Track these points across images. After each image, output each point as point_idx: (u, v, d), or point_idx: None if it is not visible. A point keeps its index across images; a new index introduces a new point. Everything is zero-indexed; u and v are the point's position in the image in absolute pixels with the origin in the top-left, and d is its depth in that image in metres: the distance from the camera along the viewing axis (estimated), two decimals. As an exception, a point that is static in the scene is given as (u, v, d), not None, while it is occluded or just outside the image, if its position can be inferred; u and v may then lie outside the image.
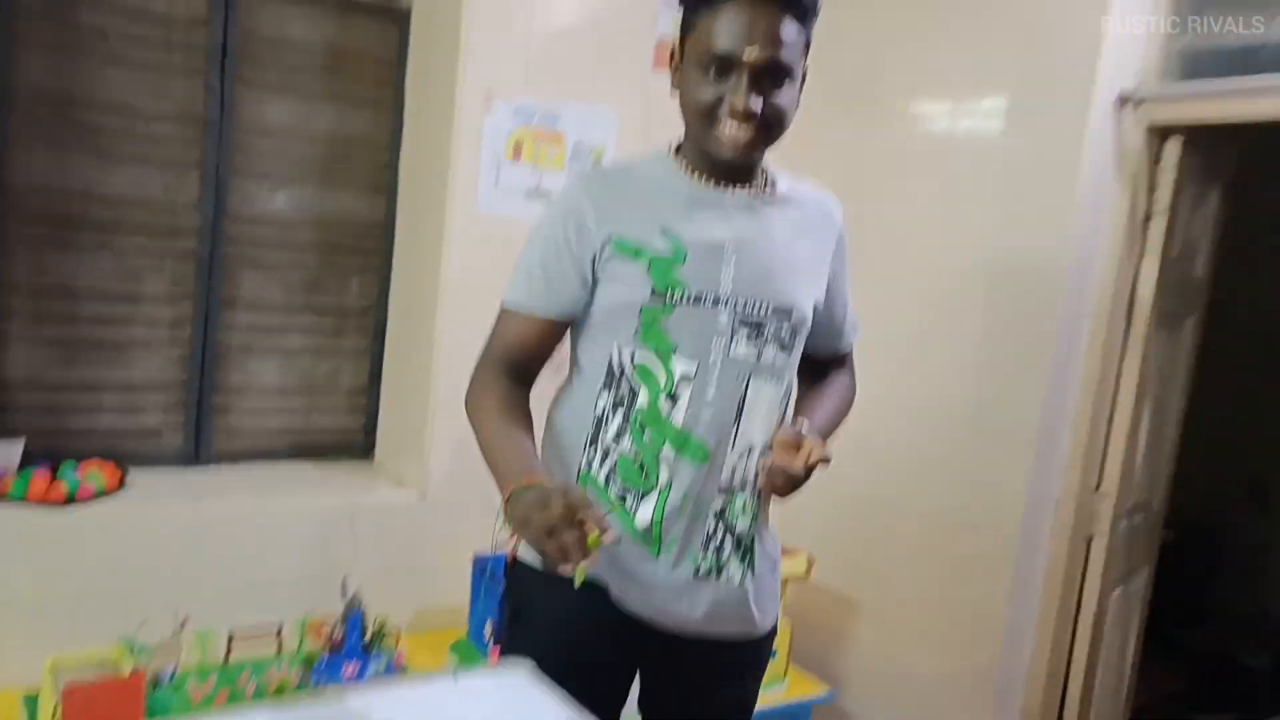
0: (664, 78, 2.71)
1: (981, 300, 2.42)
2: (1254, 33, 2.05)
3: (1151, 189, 2.30)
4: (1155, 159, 2.29)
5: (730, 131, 1.25)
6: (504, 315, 1.39)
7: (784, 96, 1.26)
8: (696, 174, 1.35)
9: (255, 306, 2.60)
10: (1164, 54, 2.23)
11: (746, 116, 1.23)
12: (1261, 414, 4.08)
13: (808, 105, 1.37)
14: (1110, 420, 2.40)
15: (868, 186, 2.68)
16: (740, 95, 1.23)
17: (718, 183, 1.35)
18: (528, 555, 1.41)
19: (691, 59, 1.28)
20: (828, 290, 1.44)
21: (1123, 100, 2.21)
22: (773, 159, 1.42)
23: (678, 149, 1.39)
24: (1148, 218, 2.31)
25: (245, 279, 2.57)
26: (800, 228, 1.39)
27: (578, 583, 1.14)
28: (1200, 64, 2.18)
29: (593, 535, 1.07)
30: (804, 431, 1.29)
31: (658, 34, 2.71)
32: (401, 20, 2.68)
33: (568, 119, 2.62)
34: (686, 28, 1.30)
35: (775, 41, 1.22)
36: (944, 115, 2.54)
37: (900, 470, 2.58)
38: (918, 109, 2.60)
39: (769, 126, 1.27)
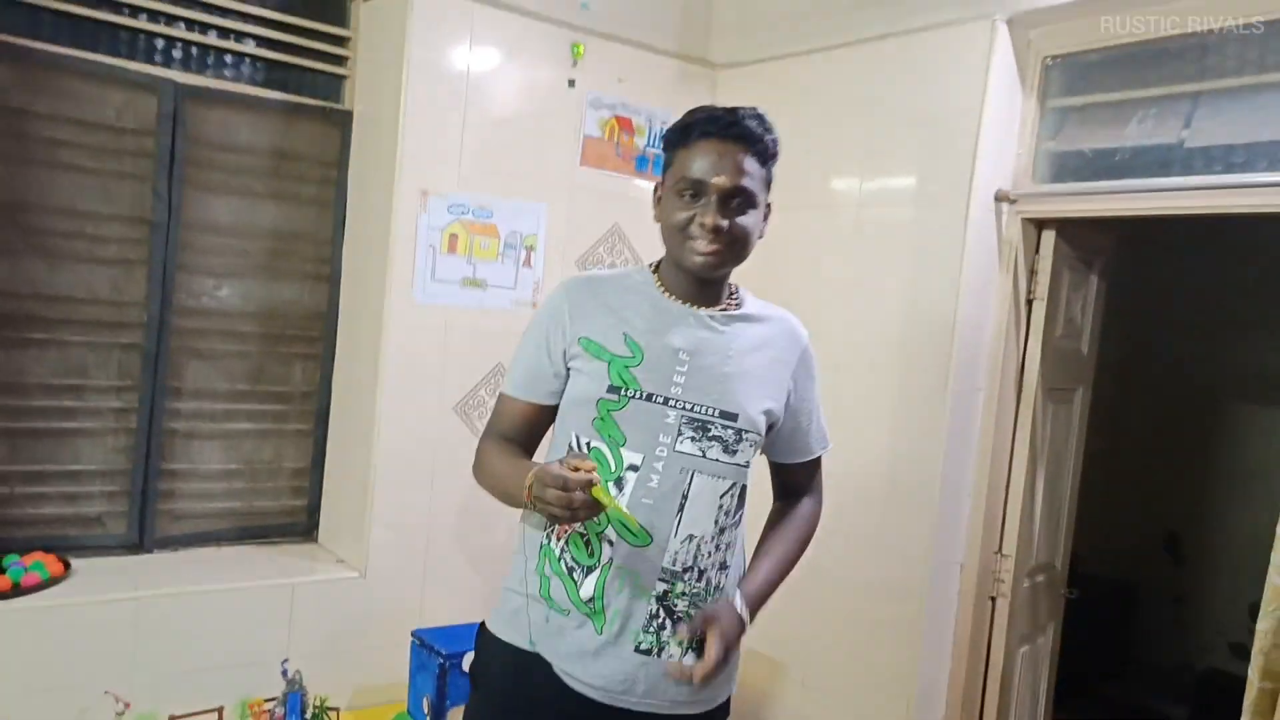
0: (590, 172, 2.95)
1: (888, 375, 2.61)
2: (1110, 144, 2.30)
3: (1032, 274, 2.53)
4: (1035, 248, 2.52)
5: (701, 244, 1.44)
6: (500, 398, 1.60)
7: (747, 220, 1.47)
8: (668, 292, 1.52)
9: (200, 394, 2.71)
10: (1034, 157, 2.47)
11: (714, 231, 1.43)
12: (1173, 472, 4.32)
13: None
14: (1007, 487, 2.58)
15: (788, 266, 2.88)
16: (710, 213, 1.43)
17: (686, 301, 1.52)
18: (494, 625, 1.55)
19: (670, 189, 1.49)
20: (789, 403, 1.57)
21: (999, 197, 2.44)
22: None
23: (657, 267, 1.57)
24: (1030, 301, 2.53)
25: (190, 369, 2.69)
26: (760, 343, 1.54)
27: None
28: (1067, 167, 2.42)
29: (596, 489, 1.29)
30: (695, 669, 1.42)
31: (583, 134, 2.91)
32: (344, 122, 2.86)
33: (500, 213, 2.80)
34: (667, 165, 1.52)
35: (739, 172, 1.44)
36: (854, 198, 2.75)
37: (820, 538, 2.73)
38: (832, 192, 2.81)
39: (734, 243, 1.46)
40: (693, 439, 1.46)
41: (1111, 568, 4.27)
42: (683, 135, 1.48)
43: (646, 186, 3.03)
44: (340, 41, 2.85)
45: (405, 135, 2.61)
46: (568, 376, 1.52)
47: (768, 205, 1.53)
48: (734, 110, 1.46)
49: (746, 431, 1.49)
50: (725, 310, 1.53)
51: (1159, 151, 2.22)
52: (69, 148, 2.45)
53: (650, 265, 1.58)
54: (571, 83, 2.88)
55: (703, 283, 1.51)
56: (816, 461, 1.70)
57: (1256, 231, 3.88)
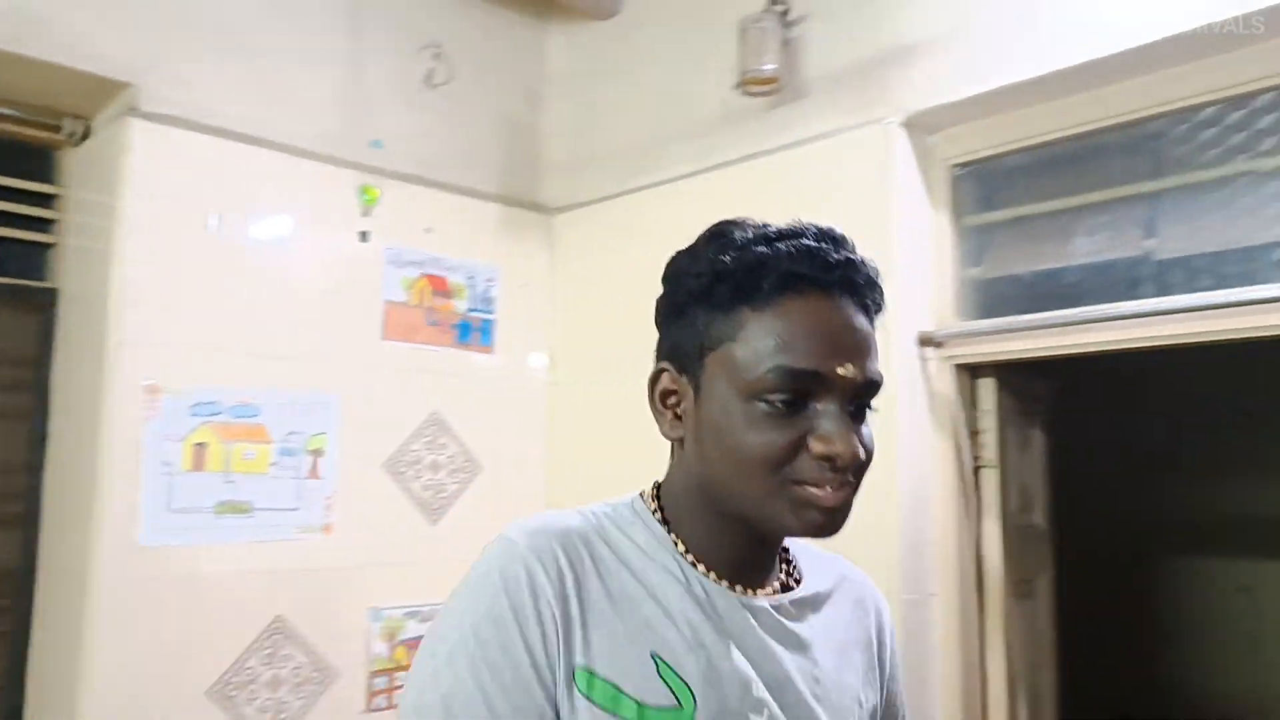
0: (396, 347, 2.24)
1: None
2: (1052, 266, 1.81)
3: (974, 435, 1.96)
4: (973, 401, 1.97)
5: (827, 494, 0.77)
6: None
7: (870, 434, 0.81)
8: (704, 565, 0.84)
9: None
10: (958, 288, 1.96)
11: (854, 466, 0.78)
12: (1123, 653, 3.79)
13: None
14: (984, 712, 1.92)
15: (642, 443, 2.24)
16: (841, 432, 0.76)
17: (731, 581, 0.84)
18: None
19: (728, 384, 0.79)
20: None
21: (923, 341, 1.89)
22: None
23: (664, 517, 0.86)
24: (977, 469, 1.95)
25: None
26: (845, 637, 0.90)
27: None
28: (1002, 296, 1.91)
29: None
30: None
31: (384, 299, 2.25)
32: (48, 304, 2.09)
33: (270, 410, 2.06)
34: (706, 336, 0.81)
35: (871, 352, 0.80)
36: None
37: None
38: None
39: (858, 483, 0.81)
40: None
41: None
42: (753, 279, 0.78)
43: (471, 360, 2.35)
44: (44, 200, 2.13)
45: (121, 312, 1.88)
46: None
47: None
48: (833, 236, 0.82)
49: None
50: (788, 591, 0.88)
51: (1121, 268, 1.73)
52: None
53: (649, 505, 0.87)
54: (364, 235, 2.24)
55: (759, 543, 0.85)
56: None
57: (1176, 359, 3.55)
